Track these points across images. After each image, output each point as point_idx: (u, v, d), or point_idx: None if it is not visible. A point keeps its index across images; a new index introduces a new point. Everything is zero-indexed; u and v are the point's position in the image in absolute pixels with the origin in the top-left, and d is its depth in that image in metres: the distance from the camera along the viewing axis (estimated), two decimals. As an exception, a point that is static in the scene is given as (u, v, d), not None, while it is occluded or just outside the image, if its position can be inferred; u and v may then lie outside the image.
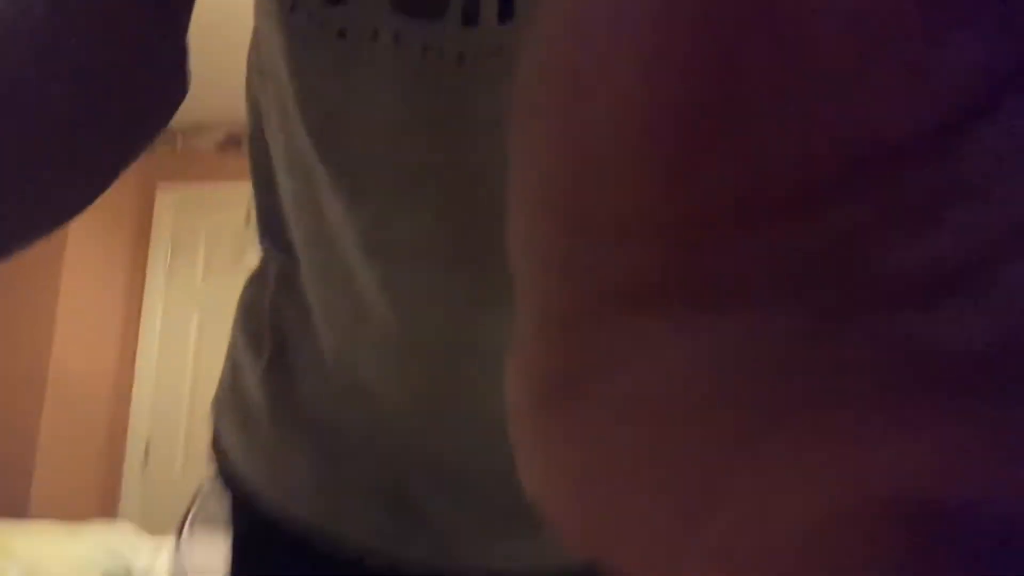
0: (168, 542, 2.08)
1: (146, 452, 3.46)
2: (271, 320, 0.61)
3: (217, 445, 0.66)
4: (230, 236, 3.67)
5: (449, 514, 0.59)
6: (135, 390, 3.52)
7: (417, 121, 0.50)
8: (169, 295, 3.63)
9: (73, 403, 3.17)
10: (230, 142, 3.80)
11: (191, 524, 1.99)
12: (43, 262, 3.14)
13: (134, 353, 3.56)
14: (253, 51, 0.58)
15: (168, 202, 3.74)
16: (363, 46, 0.48)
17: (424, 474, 0.58)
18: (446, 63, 0.48)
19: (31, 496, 2.90)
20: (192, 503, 1.98)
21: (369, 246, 0.53)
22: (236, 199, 3.72)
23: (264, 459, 0.61)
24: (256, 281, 0.64)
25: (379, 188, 0.52)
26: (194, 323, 3.60)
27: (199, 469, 3.44)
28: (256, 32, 0.57)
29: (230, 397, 0.65)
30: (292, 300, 0.58)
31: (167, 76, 0.51)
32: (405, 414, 0.57)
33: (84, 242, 3.27)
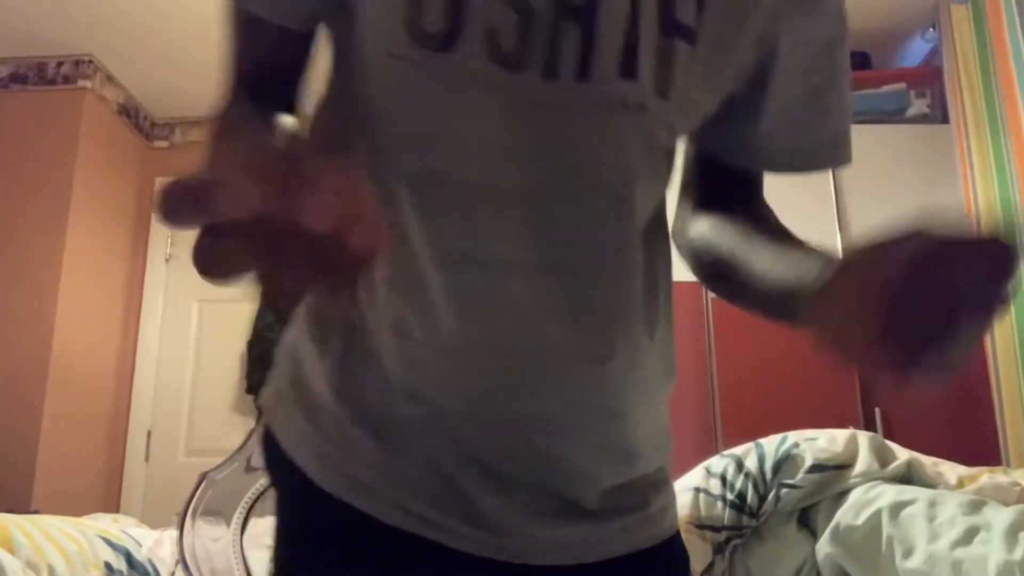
0: (170, 533, 2.09)
1: (148, 444, 3.47)
2: (339, 325, 0.65)
3: (269, 433, 0.70)
4: (229, 229, 3.67)
5: (498, 505, 0.63)
6: (136, 381, 3.53)
7: (504, 152, 0.59)
8: (169, 287, 3.64)
9: (75, 395, 3.18)
10: (228, 135, 3.80)
11: (192, 515, 2.00)
12: (43, 255, 3.14)
13: (135, 345, 3.57)
14: (331, 87, 0.68)
15: (167, 195, 3.74)
16: (462, 89, 0.59)
17: (475, 467, 0.63)
18: (529, 108, 0.59)
19: (33, 488, 2.92)
20: (193, 493, 1.99)
21: (447, 260, 0.60)
22: (235, 192, 3.72)
23: (329, 447, 0.65)
24: None
25: (466, 209, 0.60)
26: (194, 315, 3.61)
27: (200, 460, 3.45)
28: (340, 72, 0.67)
29: (290, 392, 0.69)
30: (361, 307, 0.64)
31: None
32: (462, 414, 0.63)
33: (84, 235, 3.28)
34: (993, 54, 2.52)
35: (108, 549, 1.77)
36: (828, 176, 2.92)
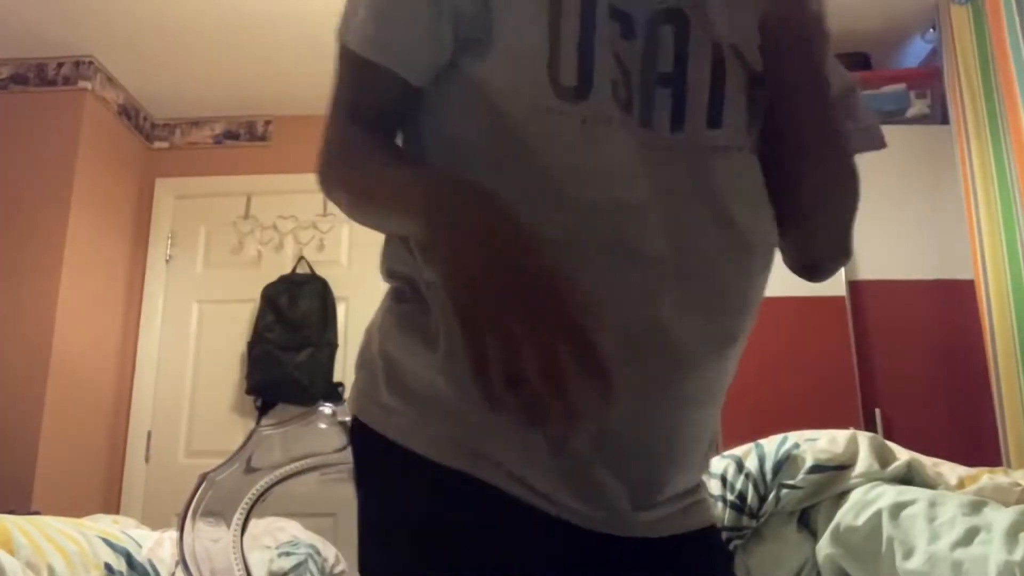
0: (170, 534, 2.09)
1: (148, 445, 3.47)
2: (439, 324, 0.75)
3: (365, 431, 0.79)
4: (229, 228, 3.68)
5: (602, 481, 0.73)
6: (136, 382, 3.53)
7: (634, 178, 0.73)
8: (169, 288, 3.64)
9: (75, 396, 3.18)
10: (227, 136, 3.80)
11: (192, 515, 2.00)
12: (44, 256, 3.14)
13: (135, 345, 3.57)
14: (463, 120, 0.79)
15: (167, 195, 3.74)
16: (599, 130, 0.73)
17: (587, 446, 0.72)
18: (652, 151, 0.74)
19: (34, 489, 2.91)
20: (193, 494, 1.99)
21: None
22: (234, 191, 3.72)
23: (450, 429, 0.73)
24: (410, 297, 0.80)
25: (591, 226, 0.73)
26: (194, 315, 3.61)
27: (200, 461, 3.45)
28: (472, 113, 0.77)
29: (389, 391, 0.77)
30: None
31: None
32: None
33: (84, 235, 3.28)
34: (993, 55, 2.53)
35: (108, 550, 1.77)
36: (828, 177, 2.92)
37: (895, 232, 2.88)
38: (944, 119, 2.92)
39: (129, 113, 3.62)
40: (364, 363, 0.82)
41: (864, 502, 1.19)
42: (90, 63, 3.34)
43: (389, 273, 0.83)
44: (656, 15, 0.75)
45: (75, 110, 3.30)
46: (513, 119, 0.73)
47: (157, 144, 3.81)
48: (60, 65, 3.34)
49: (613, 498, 0.74)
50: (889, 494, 1.18)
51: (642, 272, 0.72)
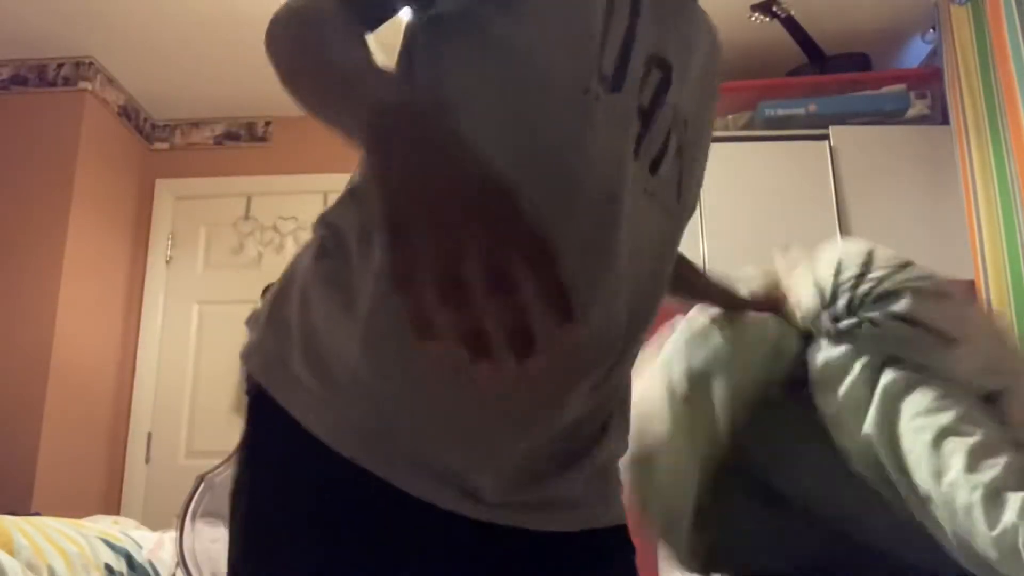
0: (170, 535, 2.09)
1: (148, 446, 3.47)
2: (361, 281, 0.74)
3: (262, 394, 0.75)
4: (229, 229, 3.68)
5: (492, 480, 0.73)
6: (136, 383, 3.52)
7: (624, 182, 0.76)
8: (169, 289, 3.64)
9: (75, 397, 3.18)
10: (227, 137, 3.80)
11: (191, 517, 2.00)
12: (44, 257, 3.14)
13: (135, 346, 3.57)
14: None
15: (167, 196, 3.74)
16: (619, 127, 0.76)
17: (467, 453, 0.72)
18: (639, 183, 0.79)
19: (34, 490, 2.91)
20: (191, 496, 1.99)
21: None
22: (234, 192, 3.73)
23: (361, 412, 0.71)
24: (333, 251, 0.77)
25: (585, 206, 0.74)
26: (195, 316, 3.61)
27: (201, 462, 3.45)
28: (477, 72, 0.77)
29: (301, 356, 0.74)
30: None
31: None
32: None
33: (85, 236, 3.28)
34: (993, 55, 2.52)
35: (108, 551, 1.77)
36: (828, 176, 2.92)
37: (895, 232, 2.88)
38: (944, 119, 2.92)
39: (129, 114, 3.62)
40: (275, 321, 0.78)
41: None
42: (90, 64, 3.34)
43: (319, 223, 0.80)
44: (651, 57, 0.79)
45: (75, 111, 3.30)
46: (538, 88, 0.73)
47: (157, 145, 3.81)
48: (60, 66, 3.34)
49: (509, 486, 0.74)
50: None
51: (613, 270, 0.74)
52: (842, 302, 1.16)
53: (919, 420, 1.04)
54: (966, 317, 1.23)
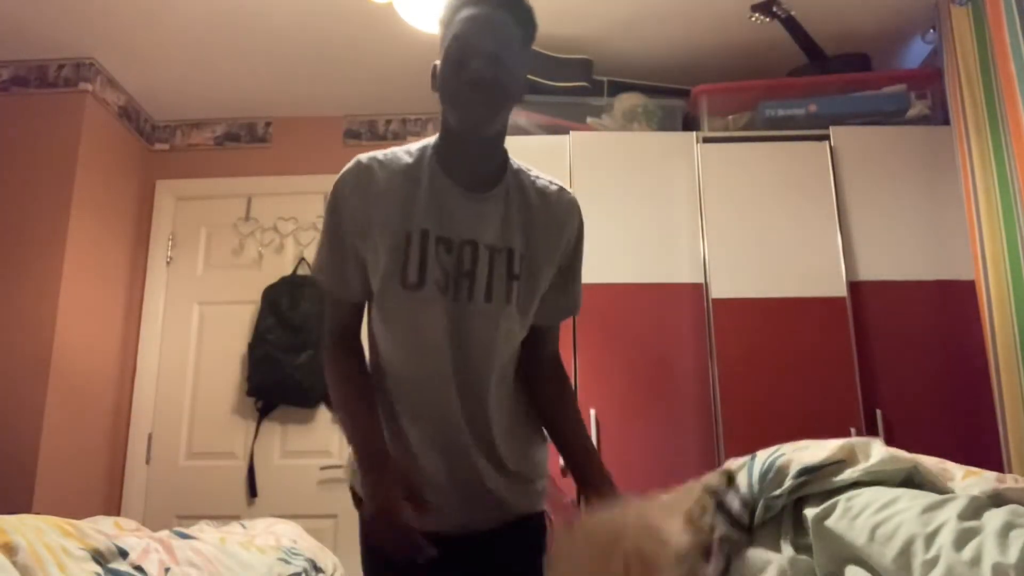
0: (156, 544, 2.09)
1: (148, 446, 3.47)
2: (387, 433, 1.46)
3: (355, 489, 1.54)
4: (229, 230, 3.68)
5: (445, 501, 1.45)
6: (137, 384, 3.53)
7: (439, 329, 1.38)
8: (170, 289, 3.64)
9: (76, 398, 3.18)
10: (228, 138, 3.80)
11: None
12: (44, 257, 3.15)
13: (136, 347, 3.57)
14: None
15: (168, 196, 3.75)
16: (426, 305, 1.37)
17: (434, 490, 1.42)
18: (454, 315, 1.38)
19: (34, 491, 2.92)
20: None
21: (413, 414, 1.45)
22: (235, 193, 3.73)
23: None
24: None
25: (422, 382, 1.42)
26: (195, 317, 3.61)
27: (201, 463, 3.46)
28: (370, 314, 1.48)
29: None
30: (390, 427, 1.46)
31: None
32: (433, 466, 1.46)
33: (85, 237, 3.28)
34: (993, 55, 2.53)
35: (109, 552, 1.77)
36: (828, 176, 2.92)
37: (895, 232, 2.88)
38: (944, 119, 2.92)
39: (130, 115, 3.63)
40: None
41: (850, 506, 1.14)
42: (91, 65, 3.34)
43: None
44: (463, 242, 1.38)
45: (76, 112, 3.30)
46: (382, 305, 1.40)
47: (158, 146, 3.81)
48: (61, 67, 3.35)
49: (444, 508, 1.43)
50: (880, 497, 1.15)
51: (444, 382, 1.39)
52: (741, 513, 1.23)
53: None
54: (826, 445, 1.23)
